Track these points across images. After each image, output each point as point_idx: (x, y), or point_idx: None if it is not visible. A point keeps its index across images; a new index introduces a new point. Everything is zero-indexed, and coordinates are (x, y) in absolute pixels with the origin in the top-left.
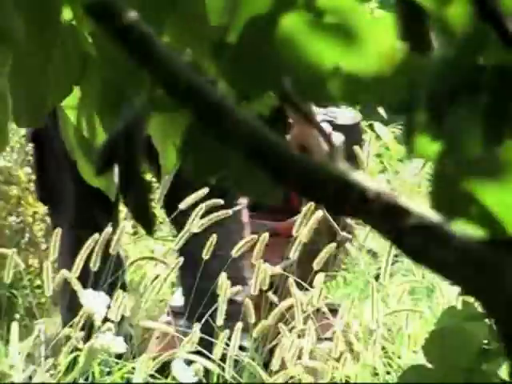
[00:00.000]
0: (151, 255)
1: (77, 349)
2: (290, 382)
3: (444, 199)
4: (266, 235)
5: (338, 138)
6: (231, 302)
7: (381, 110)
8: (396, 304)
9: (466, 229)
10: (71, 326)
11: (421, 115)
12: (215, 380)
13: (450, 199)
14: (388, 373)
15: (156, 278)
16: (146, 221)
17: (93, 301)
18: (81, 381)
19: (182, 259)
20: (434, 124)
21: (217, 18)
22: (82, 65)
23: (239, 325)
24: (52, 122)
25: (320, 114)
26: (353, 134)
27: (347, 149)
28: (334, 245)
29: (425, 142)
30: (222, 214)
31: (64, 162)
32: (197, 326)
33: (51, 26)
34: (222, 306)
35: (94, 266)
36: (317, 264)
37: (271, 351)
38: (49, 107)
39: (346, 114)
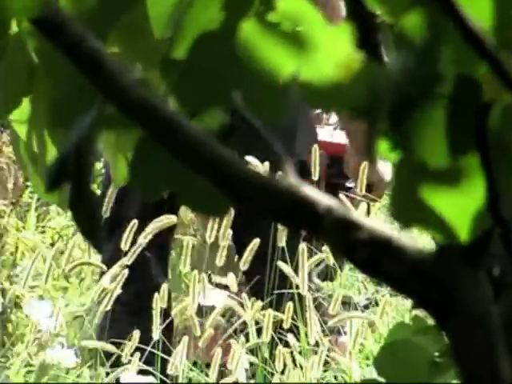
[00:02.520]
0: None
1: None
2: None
3: (401, 206)
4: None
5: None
6: None
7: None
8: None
9: (422, 235)
10: None
11: (381, 123)
12: None
13: (407, 206)
14: None
15: (103, 290)
16: (93, 237)
17: (36, 311)
18: None
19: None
20: (394, 132)
21: (161, 31)
22: (30, 77)
23: (185, 339)
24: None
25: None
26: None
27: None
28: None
29: (384, 150)
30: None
31: None
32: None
33: (0, 37)
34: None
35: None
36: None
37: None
38: None
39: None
